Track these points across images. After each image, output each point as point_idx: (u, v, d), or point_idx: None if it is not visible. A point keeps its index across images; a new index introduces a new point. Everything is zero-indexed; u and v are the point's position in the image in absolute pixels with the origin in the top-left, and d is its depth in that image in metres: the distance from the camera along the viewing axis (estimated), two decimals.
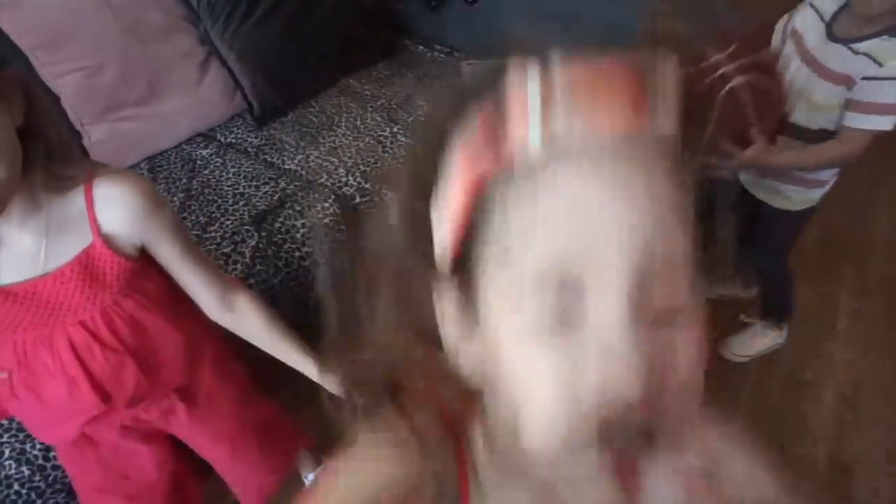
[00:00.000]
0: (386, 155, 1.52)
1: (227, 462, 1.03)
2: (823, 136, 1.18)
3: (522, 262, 0.32)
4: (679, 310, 0.32)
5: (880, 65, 1.04)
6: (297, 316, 1.36)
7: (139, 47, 1.49)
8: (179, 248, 0.78)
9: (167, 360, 0.88)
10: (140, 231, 0.75)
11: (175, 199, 1.40)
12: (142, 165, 1.50)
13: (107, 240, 0.73)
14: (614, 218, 0.30)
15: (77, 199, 0.71)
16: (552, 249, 0.31)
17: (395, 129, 1.60)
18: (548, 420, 0.32)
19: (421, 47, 1.95)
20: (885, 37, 1.05)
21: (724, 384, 1.60)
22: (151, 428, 0.94)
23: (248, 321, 0.85)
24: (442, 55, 1.91)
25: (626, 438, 0.31)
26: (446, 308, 0.38)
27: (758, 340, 1.58)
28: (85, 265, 0.73)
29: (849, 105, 1.11)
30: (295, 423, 1.23)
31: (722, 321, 1.66)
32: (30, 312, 0.74)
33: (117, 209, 0.72)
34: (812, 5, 1.18)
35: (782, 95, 1.17)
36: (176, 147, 1.57)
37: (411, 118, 1.64)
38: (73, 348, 0.79)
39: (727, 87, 1.16)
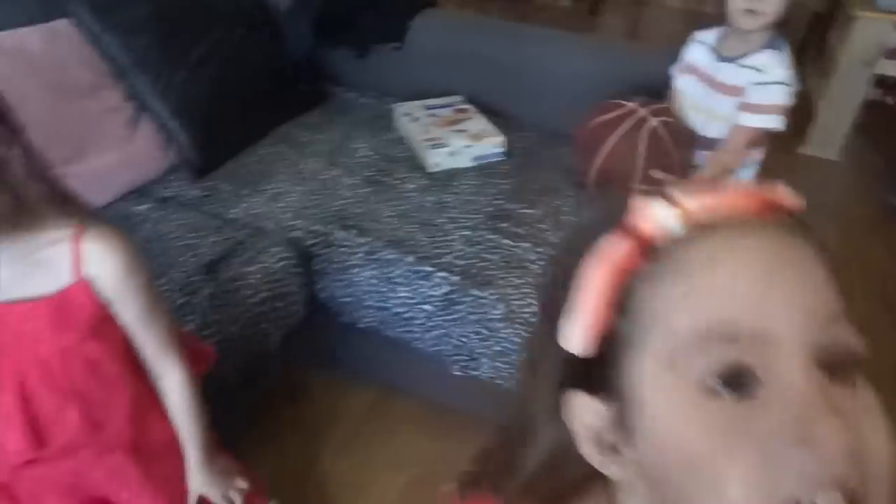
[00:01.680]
0: (331, 196, 1.53)
1: None
2: (719, 143, 1.41)
3: (679, 323, 0.31)
4: (856, 363, 0.31)
5: (764, 73, 1.29)
6: (257, 361, 1.34)
7: (65, 106, 1.44)
8: (137, 311, 0.78)
9: (115, 412, 0.85)
10: (113, 288, 0.75)
11: None
12: None
13: (86, 284, 0.72)
14: (782, 279, 0.30)
15: (61, 244, 0.71)
16: (717, 308, 0.30)
17: (336, 172, 1.61)
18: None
19: (349, 93, 1.99)
20: (764, 51, 1.29)
21: None
22: (95, 496, 0.88)
23: (167, 398, 0.86)
24: (371, 100, 1.96)
25: None
26: (583, 423, 0.37)
27: None
28: (59, 305, 0.72)
29: (741, 108, 1.34)
30: (254, 476, 1.19)
31: None
32: None
33: (101, 265, 0.73)
34: (697, 40, 1.45)
35: (687, 130, 1.42)
36: (110, 204, 1.51)
37: (352, 161, 1.66)
38: (21, 385, 0.75)
39: (649, 128, 1.34)
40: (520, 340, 1.28)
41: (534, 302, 1.26)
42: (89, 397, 0.80)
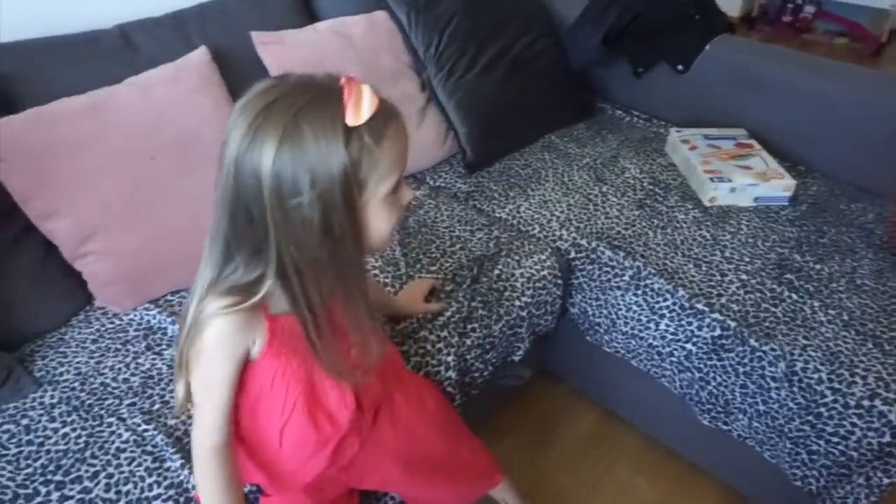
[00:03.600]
0: (598, 213, 1.51)
1: (401, 483, 1.05)
2: None
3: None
4: None
5: None
6: (504, 364, 1.36)
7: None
8: None
9: (387, 367, 0.97)
10: None
11: (396, 234, 1.44)
12: None
13: None
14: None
15: None
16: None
17: (604, 189, 1.59)
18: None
19: (618, 111, 1.95)
20: None
21: None
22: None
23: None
24: (640, 120, 1.91)
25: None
26: None
27: None
28: None
29: None
30: (490, 459, 1.21)
31: None
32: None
33: None
34: None
35: None
36: None
37: (619, 180, 1.62)
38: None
39: None
40: (794, 407, 1.16)
41: (823, 369, 1.13)
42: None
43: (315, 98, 0.65)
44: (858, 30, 3.93)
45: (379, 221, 0.72)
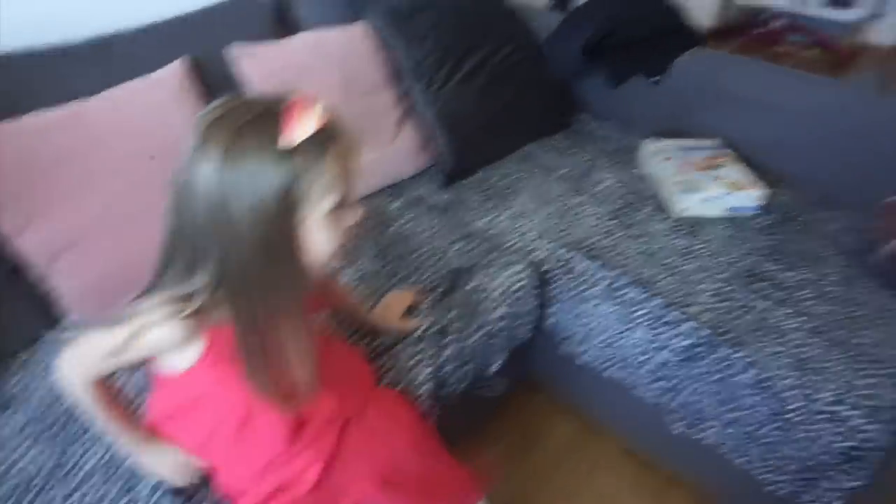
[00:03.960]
0: (574, 224, 1.52)
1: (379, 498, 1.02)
2: None
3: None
4: None
5: None
6: (480, 376, 1.37)
7: (353, 100, 1.58)
8: None
9: (351, 384, 1.00)
10: None
11: (374, 246, 1.44)
12: None
13: None
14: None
15: None
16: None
17: (580, 200, 1.61)
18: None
19: (594, 122, 1.98)
20: None
21: None
22: None
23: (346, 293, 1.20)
24: (616, 132, 1.93)
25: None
26: None
27: None
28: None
29: None
30: (469, 473, 1.20)
31: None
32: None
33: None
34: None
35: None
36: (365, 198, 1.62)
37: (596, 190, 1.64)
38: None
39: None
40: (768, 412, 1.18)
41: (792, 375, 1.15)
42: (328, 370, 0.90)
43: (260, 115, 0.67)
44: (828, 42, 4.02)
45: (320, 239, 0.73)
